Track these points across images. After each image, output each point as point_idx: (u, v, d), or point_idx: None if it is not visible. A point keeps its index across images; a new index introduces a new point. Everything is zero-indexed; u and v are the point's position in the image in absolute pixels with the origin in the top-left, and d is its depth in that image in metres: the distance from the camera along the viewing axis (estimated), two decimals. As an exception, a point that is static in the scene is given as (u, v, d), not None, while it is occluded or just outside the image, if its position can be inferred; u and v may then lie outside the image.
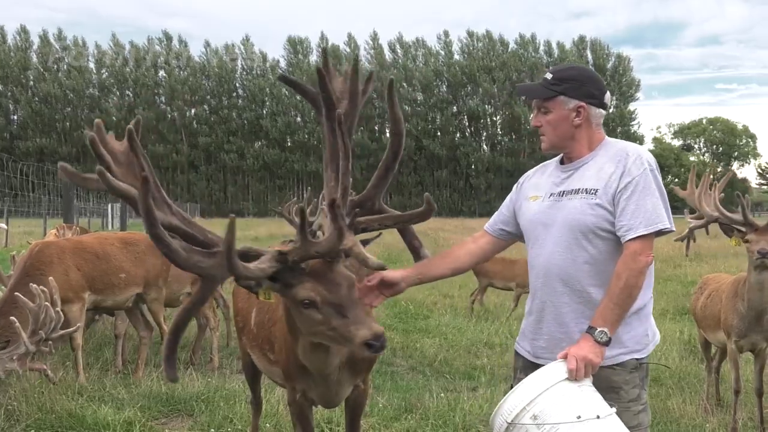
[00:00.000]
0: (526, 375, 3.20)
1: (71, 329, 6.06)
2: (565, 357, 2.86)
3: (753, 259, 5.64)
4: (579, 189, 3.07)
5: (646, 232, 2.91)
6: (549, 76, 3.12)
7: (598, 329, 2.87)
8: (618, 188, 2.97)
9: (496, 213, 3.48)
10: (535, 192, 3.26)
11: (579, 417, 2.69)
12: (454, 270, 3.43)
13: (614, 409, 2.82)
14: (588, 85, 3.11)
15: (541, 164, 3.44)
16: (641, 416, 3.09)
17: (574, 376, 2.79)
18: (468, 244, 3.49)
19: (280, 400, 5.94)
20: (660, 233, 2.97)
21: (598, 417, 2.72)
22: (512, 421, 2.76)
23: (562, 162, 3.25)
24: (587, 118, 3.11)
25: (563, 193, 3.12)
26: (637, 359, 3.09)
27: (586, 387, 2.82)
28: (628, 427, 2.95)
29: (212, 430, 5.63)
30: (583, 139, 3.14)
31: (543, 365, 3.03)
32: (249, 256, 2.91)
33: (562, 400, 2.74)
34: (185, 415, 6.09)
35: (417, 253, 3.43)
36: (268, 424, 5.61)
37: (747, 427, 6.11)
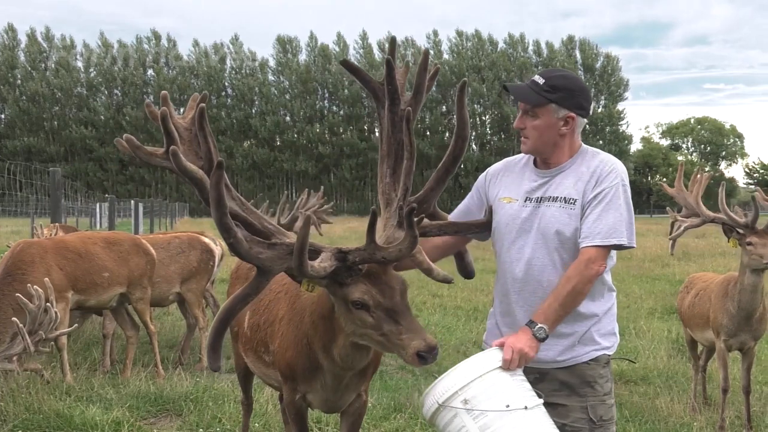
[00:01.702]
0: None
1: (70, 329, 6.06)
2: (500, 345, 2.90)
3: (754, 262, 5.65)
4: (557, 197, 3.09)
5: (601, 244, 2.96)
6: (541, 80, 3.08)
7: (539, 325, 2.91)
8: (588, 198, 3.02)
9: (462, 207, 3.45)
10: (508, 193, 3.24)
11: (508, 406, 2.75)
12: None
13: (542, 400, 2.88)
14: (579, 97, 3.11)
15: (506, 160, 3.42)
16: (613, 409, 3.20)
17: (507, 366, 2.83)
18: (434, 239, 3.39)
19: (269, 400, 5.94)
20: (617, 247, 3.02)
21: (525, 408, 2.78)
22: (443, 403, 2.80)
23: (535, 164, 3.24)
24: (573, 128, 3.12)
25: (541, 200, 3.13)
26: (607, 355, 3.19)
27: (518, 377, 2.87)
28: (605, 419, 3.08)
29: (201, 429, 5.62)
30: (565, 147, 3.14)
31: None
32: (309, 251, 2.89)
33: (493, 388, 2.79)
34: (174, 414, 6.08)
35: (462, 260, 3.44)
36: (257, 424, 5.60)
37: (734, 425, 6.15)
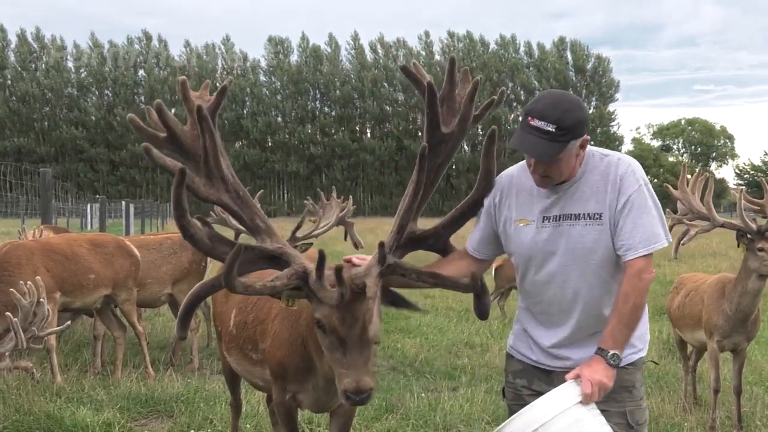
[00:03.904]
0: (523, 379, 3.22)
1: (62, 327, 6.04)
2: (574, 378, 2.80)
3: (765, 268, 5.64)
4: (580, 214, 2.96)
5: (646, 253, 2.87)
6: (551, 127, 2.80)
7: (611, 352, 2.82)
8: (617, 208, 2.91)
9: (475, 234, 3.24)
10: (522, 215, 3.07)
11: None
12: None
13: None
14: (586, 118, 2.93)
15: (506, 178, 3.18)
16: (647, 412, 3.15)
17: (588, 401, 2.74)
18: (457, 260, 3.22)
19: (260, 401, 5.93)
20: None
21: None
22: None
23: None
24: (586, 145, 2.97)
25: (559, 218, 2.99)
26: (643, 358, 3.13)
27: (595, 411, 2.78)
28: (640, 423, 3.00)
29: (192, 431, 5.61)
30: (578, 163, 2.98)
31: (544, 368, 3.10)
32: (281, 261, 2.89)
33: (576, 425, 2.70)
34: (165, 416, 6.06)
35: (479, 300, 3.16)
36: (248, 425, 5.59)
37: (725, 425, 6.17)
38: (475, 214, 3.04)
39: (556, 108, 2.83)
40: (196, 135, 2.89)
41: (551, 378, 3.11)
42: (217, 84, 3.15)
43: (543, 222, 3.02)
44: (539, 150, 2.83)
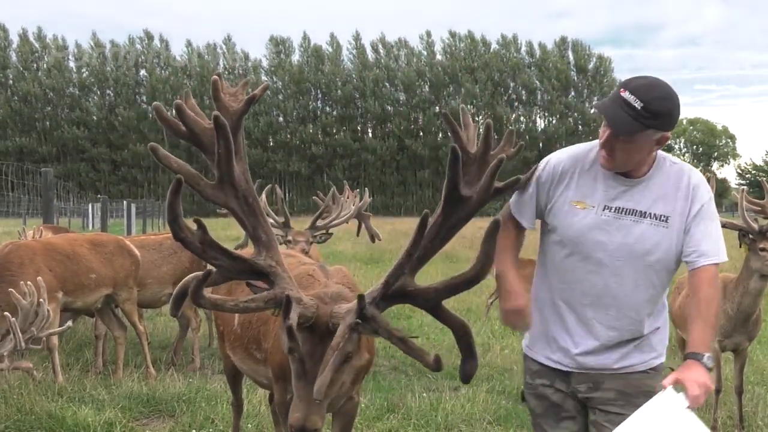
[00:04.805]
0: (543, 378, 3.14)
1: (62, 328, 6.05)
2: (674, 383, 2.74)
3: (767, 268, 5.66)
4: (646, 212, 2.91)
5: (717, 261, 2.88)
6: (638, 104, 2.73)
7: (707, 354, 2.80)
8: (690, 215, 2.90)
9: (523, 202, 3.12)
10: (581, 197, 2.98)
11: None
12: None
13: None
14: (677, 115, 2.84)
15: (571, 154, 3.08)
16: None
17: (696, 403, 2.68)
18: (512, 238, 3.16)
19: (262, 400, 5.93)
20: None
21: None
22: None
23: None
24: (663, 145, 2.91)
25: (622, 211, 2.92)
26: (662, 362, 3.12)
27: (694, 414, 2.71)
28: None
29: (194, 430, 5.62)
30: (649, 161, 2.94)
31: (564, 370, 3.07)
32: (269, 278, 2.90)
33: (693, 430, 2.65)
34: (166, 415, 6.06)
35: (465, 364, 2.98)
36: (249, 425, 5.59)
37: (726, 425, 6.17)
38: (469, 289, 2.87)
39: (651, 91, 2.77)
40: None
41: (569, 378, 3.09)
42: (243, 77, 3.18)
43: (604, 210, 2.94)
44: (618, 121, 2.77)
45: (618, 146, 2.84)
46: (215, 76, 3.13)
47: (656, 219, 2.90)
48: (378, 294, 2.80)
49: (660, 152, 2.97)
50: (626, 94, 2.76)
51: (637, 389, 2.93)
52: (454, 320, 2.81)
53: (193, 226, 2.75)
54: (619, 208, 2.92)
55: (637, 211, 2.91)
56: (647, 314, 3.01)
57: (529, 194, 3.11)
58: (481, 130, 2.98)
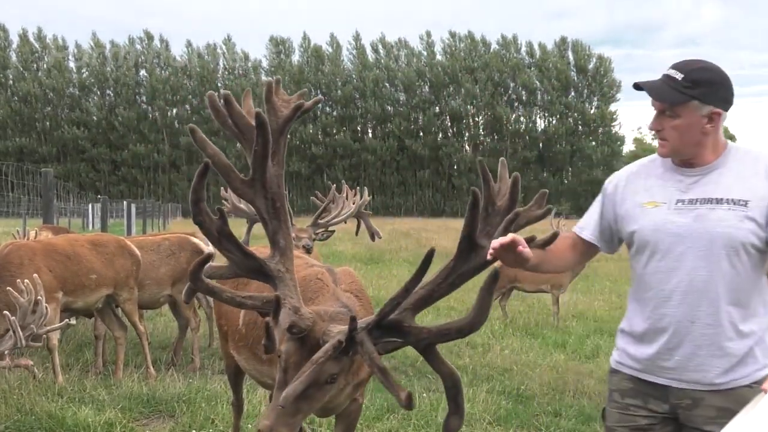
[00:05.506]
0: (636, 399, 2.94)
1: (60, 324, 6.05)
2: None
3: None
4: (722, 198, 2.77)
5: None
6: (678, 75, 2.74)
7: None
8: None
9: (590, 220, 3.11)
10: (650, 197, 2.90)
11: None
12: (559, 269, 3.24)
13: None
14: (723, 89, 2.78)
15: (634, 165, 3.09)
16: None
17: None
18: (568, 249, 3.11)
19: (262, 400, 5.93)
20: None
21: None
22: None
23: (677, 164, 2.91)
24: (718, 125, 2.80)
25: (697, 201, 2.80)
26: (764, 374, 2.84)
27: None
28: None
29: (194, 431, 5.61)
30: (709, 146, 2.82)
31: (658, 383, 2.88)
32: (273, 282, 2.93)
33: None
34: (166, 416, 6.06)
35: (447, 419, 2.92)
36: (250, 425, 5.59)
37: (726, 425, 6.15)
38: (462, 338, 2.83)
39: (693, 64, 2.79)
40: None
41: (667, 394, 2.88)
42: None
43: (676, 204, 2.84)
44: (658, 90, 2.78)
45: (666, 124, 2.80)
46: (271, 80, 3.20)
47: (734, 203, 2.75)
48: (373, 322, 2.77)
49: (731, 143, 2.91)
50: (669, 71, 2.80)
51: (738, 404, 2.64)
52: (445, 368, 2.77)
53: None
54: (693, 199, 2.82)
55: (713, 198, 2.79)
56: (729, 304, 2.78)
57: (594, 209, 3.11)
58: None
